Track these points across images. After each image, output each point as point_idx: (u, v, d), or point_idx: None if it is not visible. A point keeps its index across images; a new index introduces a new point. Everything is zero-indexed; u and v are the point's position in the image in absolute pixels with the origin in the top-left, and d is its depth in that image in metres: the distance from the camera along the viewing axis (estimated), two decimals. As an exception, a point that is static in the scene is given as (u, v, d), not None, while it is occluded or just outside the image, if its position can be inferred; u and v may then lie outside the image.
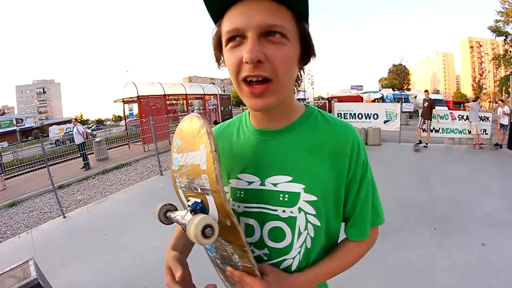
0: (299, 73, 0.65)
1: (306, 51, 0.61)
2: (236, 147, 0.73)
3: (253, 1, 0.52)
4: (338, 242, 0.76)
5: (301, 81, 0.69)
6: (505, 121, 8.52)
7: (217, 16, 0.58)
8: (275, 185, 0.66)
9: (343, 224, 0.75)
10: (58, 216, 4.87)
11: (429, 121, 8.65)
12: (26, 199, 6.74)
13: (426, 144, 8.55)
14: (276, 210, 0.66)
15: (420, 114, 8.96)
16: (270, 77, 0.54)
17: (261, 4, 0.52)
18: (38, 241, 3.85)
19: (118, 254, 3.26)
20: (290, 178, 0.65)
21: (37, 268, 1.98)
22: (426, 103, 8.71)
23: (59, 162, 8.23)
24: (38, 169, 7.91)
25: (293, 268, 0.68)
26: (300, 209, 0.64)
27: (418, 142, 8.61)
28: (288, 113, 0.68)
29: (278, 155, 0.67)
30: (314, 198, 0.64)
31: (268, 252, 0.68)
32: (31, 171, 8.15)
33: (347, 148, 0.66)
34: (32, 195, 6.87)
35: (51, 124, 54.01)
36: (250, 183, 0.68)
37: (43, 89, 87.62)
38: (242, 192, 0.69)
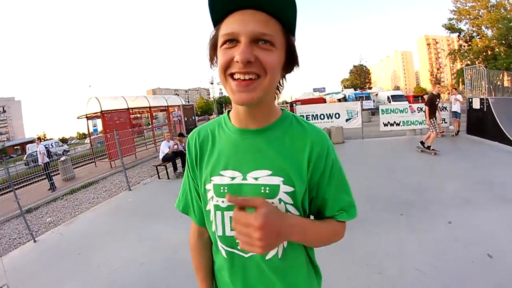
0: (281, 80, 0.74)
1: (290, 61, 0.70)
2: (218, 146, 0.79)
3: (250, 11, 0.60)
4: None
5: (282, 88, 0.77)
6: (456, 109, 9.14)
7: (217, 21, 0.66)
8: (256, 179, 0.73)
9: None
10: (28, 241, 4.73)
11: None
12: (-7, 226, 6.41)
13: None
14: None
15: (429, 114, 6.73)
16: (258, 73, 0.62)
17: (256, 15, 0.60)
18: (10, 269, 3.74)
19: (93, 272, 3.25)
20: (270, 172, 0.72)
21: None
22: (438, 99, 7.06)
23: (25, 186, 7.84)
24: (2, 194, 7.47)
25: (279, 255, 0.76)
26: (280, 200, 0.72)
27: (427, 146, 6.81)
28: (267, 115, 0.76)
29: (258, 152, 0.74)
30: (291, 189, 0.72)
31: None
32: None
33: (317, 148, 0.74)
34: (-2, 222, 6.55)
35: (14, 146, 50.58)
36: (232, 178, 0.75)
37: (3, 108, 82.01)
38: (225, 188, 0.75)
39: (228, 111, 0.83)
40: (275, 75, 0.65)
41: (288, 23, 0.64)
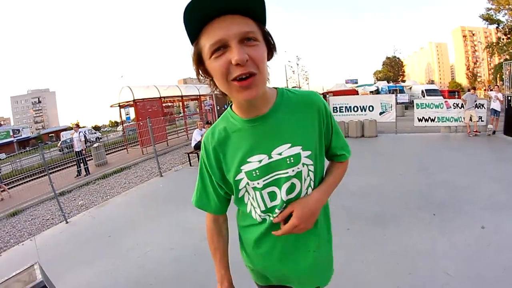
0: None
1: (270, 49, 0.77)
2: (236, 140, 0.88)
3: (226, 17, 0.65)
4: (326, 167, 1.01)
5: (269, 75, 0.81)
6: (496, 106, 8.49)
7: (194, 36, 0.71)
8: (280, 154, 0.84)
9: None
10: (60, 222, 4.88)
11: None
12: (28, 207, 6.78)
13: None
14: (287, 172, 0.85)
15: None
16: (255, 71, 0.68)
17: (233, 19, 0.66)
18: (42, 247, 3.85)
19: (122, 255, 3.28)
20: (289, 145, 0.84)
21: (42, 271, 1.97)
22: None
23: (58, 170, 8.25)
24: (38, 177, 7.93)
25: None
26: (303, 164, 0.86)
27: None
28: (267, 99, 0.85)
29: (274, 132, 0.84)
30: (309, 152, 0.86)
31: (286, 205, 0.89)
32: (30, 180, 8.16)
33: (319, 107, 0.89)
34: (33, 203, 6.92)
35: (48, 133, 53.74)
36: (260, 161, 0.85)
37: (38, 99, 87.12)
38: (257, 171, 0.85)
39: (230, 106, 0.91)
40: (265, 67, 0.72)
41: (260, 17, 0.71)
